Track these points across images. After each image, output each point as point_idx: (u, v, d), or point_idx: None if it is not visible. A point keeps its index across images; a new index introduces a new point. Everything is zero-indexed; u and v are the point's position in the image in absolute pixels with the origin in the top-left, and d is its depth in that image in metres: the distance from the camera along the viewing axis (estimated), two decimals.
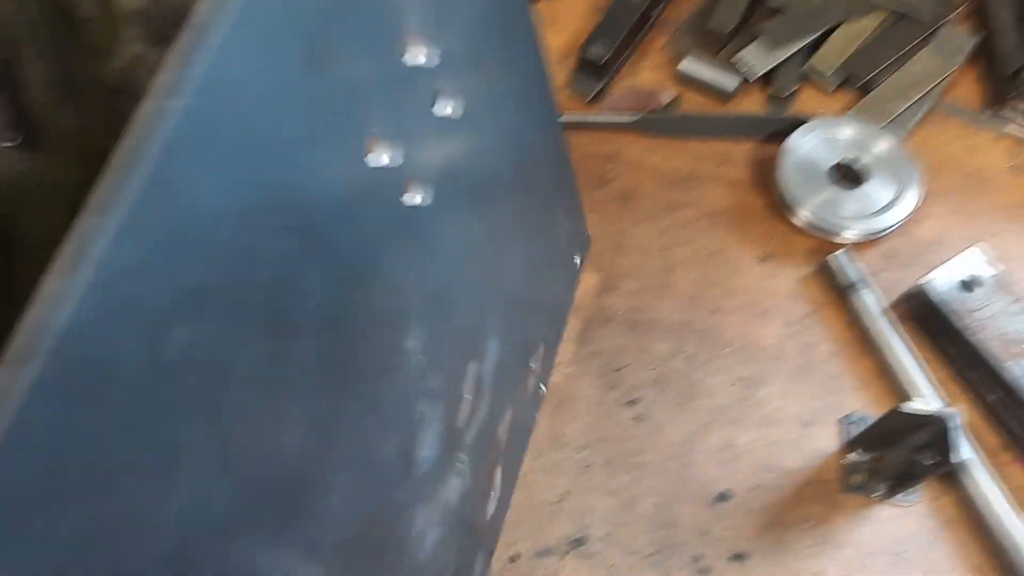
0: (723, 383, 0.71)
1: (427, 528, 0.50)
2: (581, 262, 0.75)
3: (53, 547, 0.22)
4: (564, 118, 0.86)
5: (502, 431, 0.60)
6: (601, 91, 0.88)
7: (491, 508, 0.62)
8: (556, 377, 0.72)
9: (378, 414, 0.42)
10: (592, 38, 0.88)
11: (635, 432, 0.69)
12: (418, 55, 0.37)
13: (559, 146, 0.62)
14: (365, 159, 0.35)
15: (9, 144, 0.37)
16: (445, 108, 0.41)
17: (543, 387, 0.69)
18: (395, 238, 0.39)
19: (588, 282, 0.76)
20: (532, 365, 0.65)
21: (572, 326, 0.74)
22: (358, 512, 0.42)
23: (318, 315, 0.34)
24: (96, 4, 0.40)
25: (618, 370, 0.72)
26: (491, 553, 0.63)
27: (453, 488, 0.53)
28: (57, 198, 0.36)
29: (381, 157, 0.36)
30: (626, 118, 0.85)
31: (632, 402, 0.70)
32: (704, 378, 0.71)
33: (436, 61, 0.39)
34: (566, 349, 0.73)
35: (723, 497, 0.66)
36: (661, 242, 0.78)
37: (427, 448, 0.48)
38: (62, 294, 0.21)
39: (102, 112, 0.40)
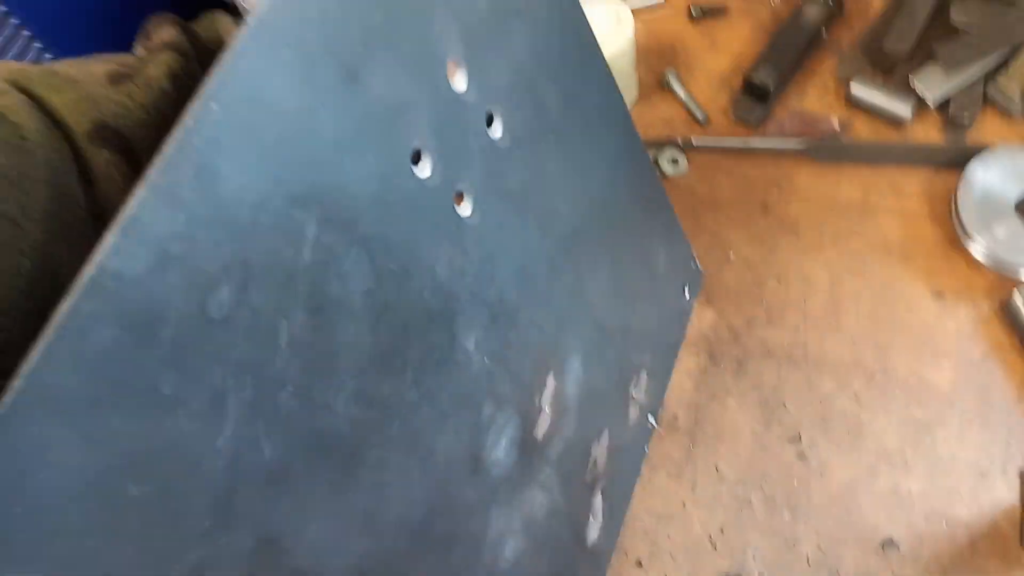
0: (892, 424, 0.68)
1: (506, 535, 0.52)
2: (692, 296, 0.75)
3: (112, 453, 0.28)
4: (726, 143, 0.85)
5: (598, 453, 0.61)
6: (766, 116, 0.86)
7: (593, 533, 0.62)
8: (714, 408, 0.71)
9: (435, 405, 0.44)
10: (759, 61, 0.87)
11: (798, 470, 0.68)
12: (464, 80, 0.40)
13: (646, 179, 0.63)
14: (412, 168, 0.38)
15: None
16: (498, 130, 0.44)
17: (652, 419, 0.69)
18: (445, 243, 0.42)
19: (749, 311, 0.75)
20: (632, 393, 0.65)
21: (731, 357, 0.73)
22: (419, 497, 0.45)
23: (364, 301, 0.37)
24: None
25: (781, 405, 0.70)
26: None
27: (537, 501, 0.55)
28: None
29: (428, 169, 0.39)
30: (793, 144, 0.83)
31: (795, 439, 0.69)
32: (872, 418, 0.69)
33: (487, 87, 0.41)
34: (724, 381, 0.72)
35: (890, 544, 0.63)
36: (828, 274, 0.76)
37: (499, 452, 0.50)
38: (115, 246, 0.26)
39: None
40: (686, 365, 0.74)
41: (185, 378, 0.30)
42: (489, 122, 0.43)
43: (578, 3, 0.49)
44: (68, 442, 0.27)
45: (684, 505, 0.67)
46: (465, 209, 0.43)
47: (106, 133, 0.40)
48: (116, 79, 0.42)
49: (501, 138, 0.44)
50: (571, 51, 0.50)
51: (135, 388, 0.28)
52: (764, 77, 0.85)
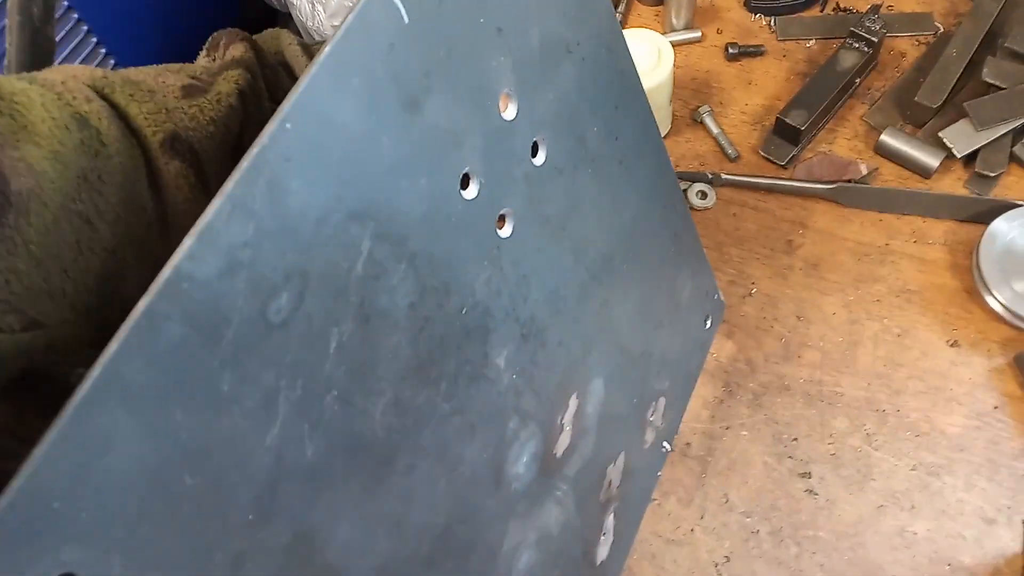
0: (903, 467, 0.70)
1: (521, 548, 0.54)
2: (713, 326, 0.76)
3: (172, 444, 0.30)
4: (755, 180, 0.87)
5: (613, 474, 0.63)
6: (795, 156, 0.89)
7: (602, 552, 0.64)
8: (728, 438, 0.73)
9: (465, 417, 0.46)
10: (792, 103, 0.89)
11: (807, 505, 0.69)
12: (515, 110, 0.43)
13: (678, 211, 0.65)
14: (461, 191, 0.40)
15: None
16: (541, 158, 0.46)
17: (667, 445, 0.71)
18: (485, 263, 0.44)
19: (767, 346, 0.77)
20: (650, 417, 0.67)
21: (748, 389, 0.75)
22: (442, 504, 0.47)
23: (408, 314, 0.40)
24: None
25: (794, 440, 0.72)
26: None
27: (552, 516, 0.57)
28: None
29: (475, 192, 0.41)
30: (822, 185, 0.85)
31: (805, 474, 0.70)
32: (883, 459, 0.70)
33: (534, 117, 0.44)
34: (739, 412, 0.74)
35: None
36: (848, 315, 0.78)
37: (520, 466, 0.52)
38: (190, 250, 0.28)
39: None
40: (703, 394, 0.75)
41: (242, 377, 0.32)
42: (534, 150, 0.46)
43: (623, 40, 0.51)
44: (134, 432, 0.28)
45: (692, 531, 0.69)
46: (506, 231, 0.45)
47: (177, 145, 0.42)
48: (189, 92, 0.44)
49: (543, 165, 0.46)
50: (614, 85, 0.52)
51: (197, 384, 0.30)
52: (796, 118, 0.87)
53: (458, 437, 0.47)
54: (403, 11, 0.34)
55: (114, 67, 0.77)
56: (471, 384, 0.46)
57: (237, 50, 0.49)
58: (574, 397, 0.56)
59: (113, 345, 0.27)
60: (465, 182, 0.41)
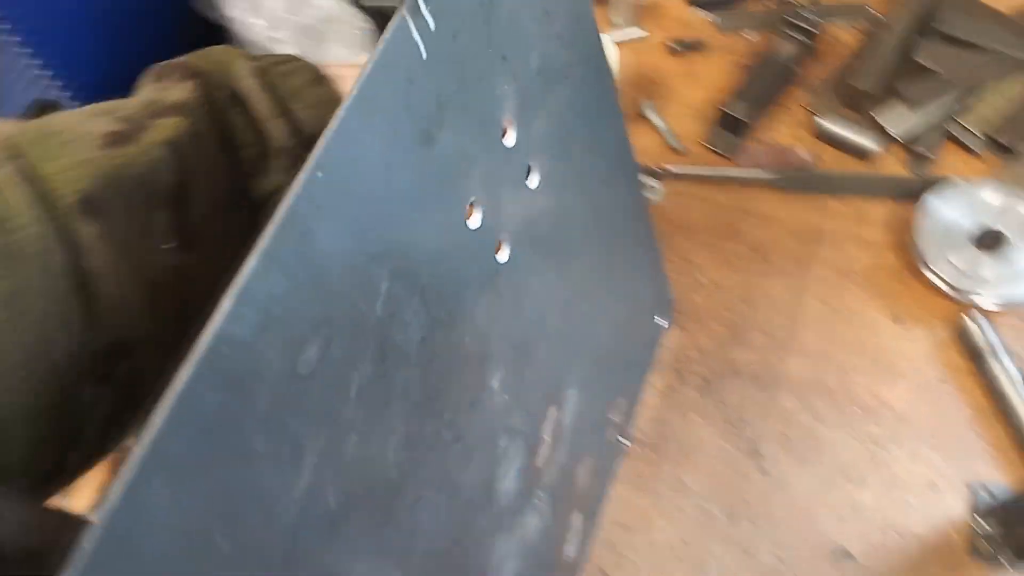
0: (850, 441, 0.71)
1: (506, 559, 0.54)
2: (667, 323, 0.78)
3: (205, 507, 0.29)
4: (701, 171, 0.89)
5: (581, 476, 0.64)
6: (738, 146, 0.90)
7: (570, 550, 0.65)
8: (680, 425, 0.74)
9: (464, 442, 0.46)
10: (734, 95, 0.91)
11: (759, 484, 0.70)
12: (514, 136, 0.43)
13: (642, 214, 0.66)
14: (466, 221, 0.41)
15: (167, 246, 0.42)
16: (535, 180, 0.46)
17: (623, 439, 0.72)
18: (486, 289, 0.44)
19: (716, 332, 0.79)
20: (612, 418, 0.69)
21: (698, 375, 0.77)
22: (444, 531, 0.46)
23: (418, 349, 0.39)
24: (252, 135, 0.47)
25: (744, 422, 0.73)
26: None
27: (532, 525, 0.57)
28: (197, 291, 0.40)
29: (479, 220, 0.41)
30: (765, 174, 0.87)
31: (756, 454, 0.72)
32: (831, 435, 0.72)
33: (529, 141, 0.44)
34: (690, 398, 0.75)
35: (845, 555, 0.66)
36: (793, 298, 0.80)
37: (508, 481, 0.52)
38: (230, 312, 0.27)
39: (245, 223, 0.46)
40: (654, 383, 0.77)
41: (274, 434, 0.31)
42: (528, 173, 0.46)
43: (608, 64, 0.52)
44: (169, 499, 0.27)
45: (649, 517, 0.70)
46: (503, 256, 0.45)
47: (95, 204, 0.39)
48: (115, 141, 0.41)
49: (536, 187, 0.47)
50: (598, 103, 0.53)
51: (233, 446, 0.29)
52: (739, 110, 0.89)
53: (458, 463, 0.47)
54: (422, 47, 0.34)
55: (61, 91, 0.79)
56: (470, 410, 0.46)
57: (180, 92, 0.46)
58: (552, 408, 0.57)
59: (157, 420, 0.26)
60: (470, 211, 0.41)
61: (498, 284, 0.46)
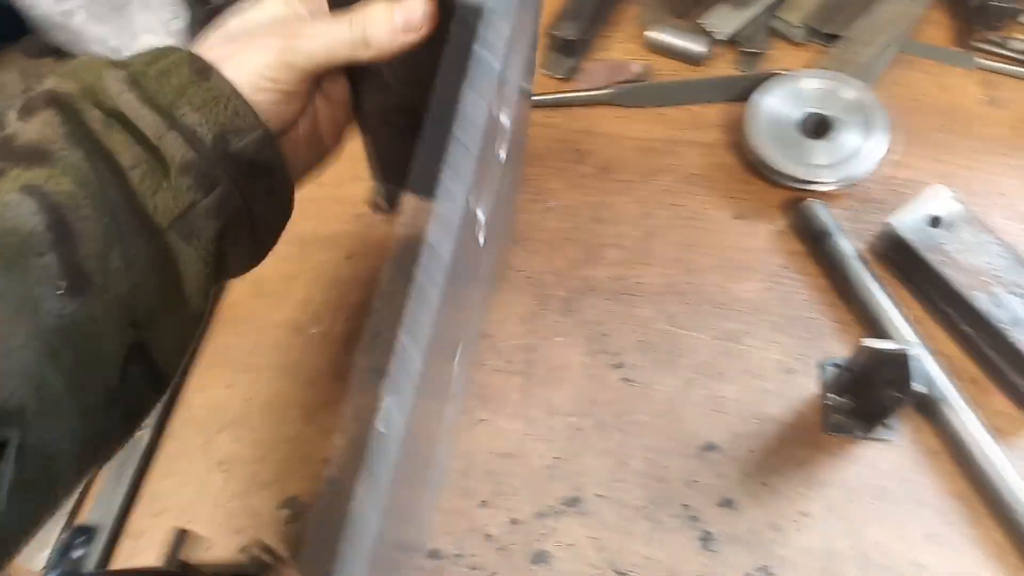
0: (706, 339, 0.73)
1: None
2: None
3: None
4: (540, 98, 0.89)
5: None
6: (574, 68, 0.91)
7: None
8: (545, 348, 0.75)
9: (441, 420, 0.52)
10: (564, 16, 0.91)
11: (624, 394, 0.72)
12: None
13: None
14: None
15: (58, 292, 0.38)
16: (502, 154, 0.50)
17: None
18: (473, 271, 0.48)
19: (570, 254, 0.79)
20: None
21: (557, 298, 0.77)
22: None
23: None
24: (139, 153, 0.42)
25: (604, 336, 0.75)
26: None
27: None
28: (94, 336, 0.39)
29: (478, 209, 0.44)
30: (601, 92, 0.87)
31: (619, 365, 0.73)
32: (688, 336, 0.74)
33: (480, 201, 0.46)
34: (552, 320, 0.76)
35: (710, 447, 0.68)
36: (641, 210, 0.81)
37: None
38: None
39: (146, 250, 0.42)
40: (517, 311, 0.77)
41: None
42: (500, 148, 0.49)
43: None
44: None
45: (523, 442, 0.71)
46: (482, 237, 0.48)
47: None
48: None
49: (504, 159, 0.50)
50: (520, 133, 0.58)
51: None
52: (568, 30, 0.89)
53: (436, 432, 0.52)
54: None
55: None
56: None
57: (38, 128, 0.41)
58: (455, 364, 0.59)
59: None
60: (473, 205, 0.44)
61: (477, 265, 0.52)
